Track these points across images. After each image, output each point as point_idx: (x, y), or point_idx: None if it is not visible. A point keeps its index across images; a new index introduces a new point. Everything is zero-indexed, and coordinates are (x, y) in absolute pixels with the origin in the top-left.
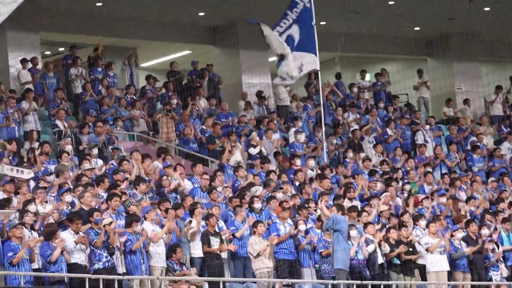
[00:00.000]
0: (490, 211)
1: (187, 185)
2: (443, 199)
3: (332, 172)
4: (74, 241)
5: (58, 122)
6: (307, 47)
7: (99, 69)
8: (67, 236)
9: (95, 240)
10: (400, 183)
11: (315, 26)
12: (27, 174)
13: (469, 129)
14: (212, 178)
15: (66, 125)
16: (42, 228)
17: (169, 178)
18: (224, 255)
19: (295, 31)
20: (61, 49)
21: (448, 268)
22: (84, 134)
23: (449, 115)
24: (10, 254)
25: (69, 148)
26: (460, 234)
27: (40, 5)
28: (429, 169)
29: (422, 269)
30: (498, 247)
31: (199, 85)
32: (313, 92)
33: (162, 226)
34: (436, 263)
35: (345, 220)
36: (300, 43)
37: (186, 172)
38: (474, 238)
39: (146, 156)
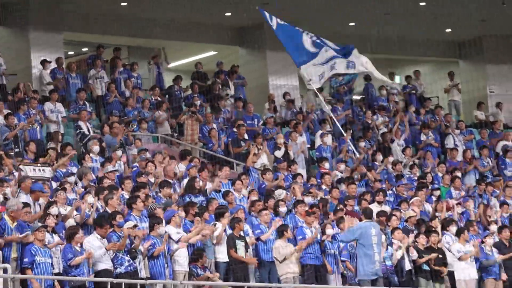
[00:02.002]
0: None
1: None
2: (471, 205)
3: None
4: (105, 248)
5: (81, 123)
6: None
7: (121, 69)
8: (92, 240)
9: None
10: (430, 187)
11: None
12: (49, 172)
13: (503, 133)
14: (235, 181)
15: (89, 126)
16: (63, 231)
17: (200, 180)
18: None
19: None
20: (85, 49)
21: (476, 277)
22: (106, 135)
23: (481, 118)
24: (30, 259)
25: (96, 149)
26: (491, 240)
27: (64, 5)
28: (458, 174)
29: (452, 275)
30: None
31: (222, 85)
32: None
33: (185, 230)
34: (465, 271)
35: (358, 229)
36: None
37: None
38: (507, 244)
39: (170, 158)
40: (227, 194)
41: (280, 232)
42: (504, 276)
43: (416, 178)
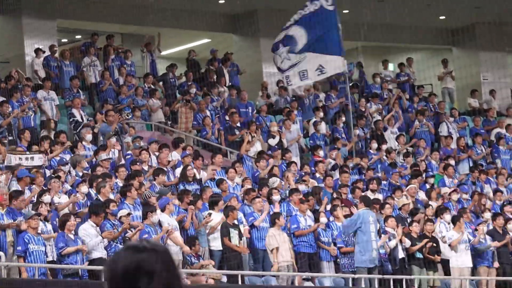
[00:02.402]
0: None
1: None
2: (466, 195)
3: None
4: (101, 236)
5: (74, 111)
6: (329, 50)
7: (112, 57)
8: (87, 227)
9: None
10: (424, 175)
11: (340, 28)
12: (38, 160)
13: (497, 121)
14: (228, 169)
15: (83, 114)
16: (56, 219)
17: (193, 167)
18: None
19: (298, 33)
20: (78, 36)
21: (470, 265)
22: (99, 123)
23: (474, 106)
24: (23, 247)
25: (89, 137)
26: (484, 228)
27: None
28: (451, 162)
29: (445, 263)
30: None
31: (216, 74)
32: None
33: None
34: (459, 259)
35: (357, 217)
36: (317, 45)
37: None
38: (501, 232)
39: (164, 146)
40: (221, 182)
41: (273, 220)
42: (496, 264)
43: (409, 166)
